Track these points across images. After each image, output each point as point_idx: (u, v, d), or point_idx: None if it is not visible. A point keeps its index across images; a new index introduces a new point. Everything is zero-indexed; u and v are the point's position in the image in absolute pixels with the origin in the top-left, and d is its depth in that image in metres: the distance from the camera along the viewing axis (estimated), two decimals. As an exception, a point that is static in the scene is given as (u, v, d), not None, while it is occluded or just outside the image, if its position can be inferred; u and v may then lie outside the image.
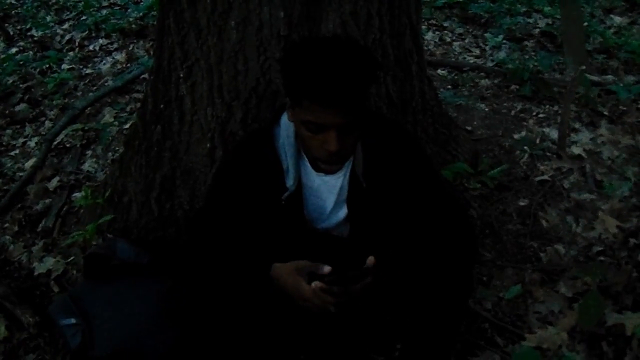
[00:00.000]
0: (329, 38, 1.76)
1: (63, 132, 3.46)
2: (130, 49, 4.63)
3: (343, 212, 1.78)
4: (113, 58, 4.52)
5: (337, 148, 1.51)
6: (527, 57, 4.29)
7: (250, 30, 2.01)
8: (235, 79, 2.08)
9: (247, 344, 1.69)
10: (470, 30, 4.82)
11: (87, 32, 4.98)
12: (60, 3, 5.75)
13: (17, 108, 3.91)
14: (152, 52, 3.27)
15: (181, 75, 2.15)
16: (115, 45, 4.73)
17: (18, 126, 3.73)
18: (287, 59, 1.55)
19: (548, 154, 3.06)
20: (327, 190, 1.75)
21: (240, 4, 1.99)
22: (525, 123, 3.38)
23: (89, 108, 3.72)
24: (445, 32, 4.79)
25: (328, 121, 1.48)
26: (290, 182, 1.69)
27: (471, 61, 4.26)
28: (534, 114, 3.48)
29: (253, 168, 1.68)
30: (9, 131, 3.67)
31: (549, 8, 5.12)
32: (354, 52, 1.51)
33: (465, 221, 1.78)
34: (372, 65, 1.53)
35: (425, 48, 4.42)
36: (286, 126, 1.68)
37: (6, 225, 2.79)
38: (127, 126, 3.41)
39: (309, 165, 1.71)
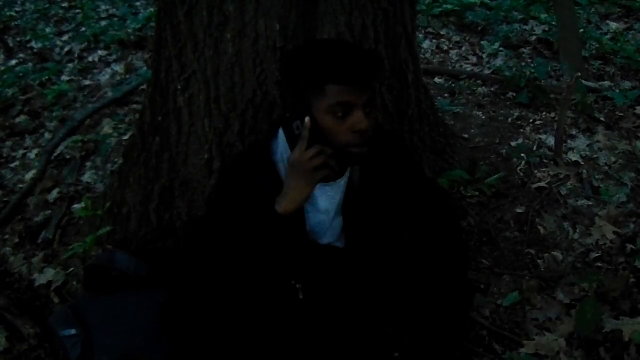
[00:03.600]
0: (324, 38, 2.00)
1: (63, 143, 3.47)
2: (129, 60, 4.65)
3: (341, 221, 1.79)
4: (112, 69, 4.54)
5: (367, 126, 1.54)
6: (523, 64, 4.31)
7: (247, 42, 2.03)
8: (232, 90, 2.10)
9: (246, 353, 1.70)
10: (467, 38, 4.84)
11: (86, 43, 5.00)
12: (60, 15, 5.78)
13: (17, 120, 3.92)
14: (150, 64, 3.29)
15: (179, 87, 2.17)
16: (114, 57, 4.75)
17: (18, 138, 3.74)
18: (300, 54, 1.65)
19: (545, 161, 3.07)
20: (327, 201, 1.76)
21: (236, 16, 2.01)
22: (522, 130, 3.39)
23: (88, 120, 3.74)
24: (442, 40, 4.81)
25: (355, 100, 1.53)
26: None
27: (468, 69, 4.28)
28: (531, 121, 3.49)
29: (252, 183, 1.70)
30: (9, 143, 3.68)
31: (546, 15, 5.14)
32: (351, 42, 1.74)
33: (457, 229, 1.80)
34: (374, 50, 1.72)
35: (422, 56, 4.44)
36: (283, 139, 1.70)
37: (7, 237, 2.80)
38: (126, 137, 3.43)
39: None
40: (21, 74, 4.58)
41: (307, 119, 1.55)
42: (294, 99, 1.65)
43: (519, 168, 3.02)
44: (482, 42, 4.71)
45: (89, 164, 3.32)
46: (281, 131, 1.71)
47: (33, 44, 5.25)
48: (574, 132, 3.34)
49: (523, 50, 4.59)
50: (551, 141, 3.21)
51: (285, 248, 1.71)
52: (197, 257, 1.79)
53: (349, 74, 1.52)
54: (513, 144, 3.23)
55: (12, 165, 3.43)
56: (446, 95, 3.85)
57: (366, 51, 1.65)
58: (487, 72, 4.22)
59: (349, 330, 1.79)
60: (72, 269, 2.47)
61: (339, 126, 1.56)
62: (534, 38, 4.77)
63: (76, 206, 2.89)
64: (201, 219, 2.19)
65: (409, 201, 1.74)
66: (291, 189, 1.59)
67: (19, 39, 5.42)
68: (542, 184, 2.88)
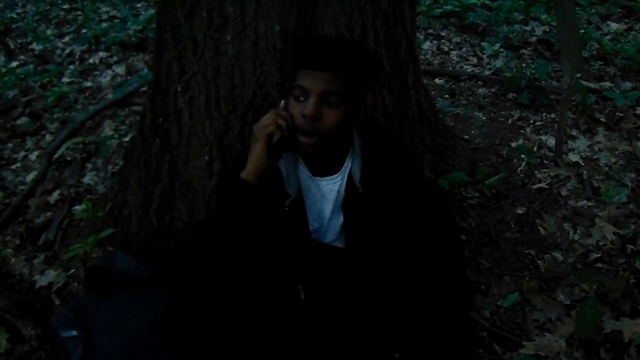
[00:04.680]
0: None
1: (64, 145, 3.47)
2: (129, 61, 4.66)
3: (340, 219, 1.80)
4: (113, 71, 4.54)
5: (311, 113, 1.56)
6: (524, 65, 4.31)
7: (246, 44, 2.04)
8: (232, 92, 2.10)
9: (248, 354, 1.70)
10: (468, 39, 4.84)
11: (87, 45, 5.01)
12: (61, 17, 5.79)
13: (18, 122, 3.92)
14: (150, 66, 3.29)
15: (179, 89, 2.17)
16: (115, 58, 4.76)
17: (19, 140, 3.74)
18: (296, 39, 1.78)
19: (545, 161, 3.08)
20: (325, 196, 1.77)
21: (236, 18, 2.01)
22: (522, 131, 3.39)
23: (89, 121, 3.74)
24: (443, 41, 4.81)
25: (310, 85, 1.57)
26: (290, 188, 1.71)
27: (468, 70, 4.29)
28: (531, 121, 3.49)
29: None
30: (10, 145, 3.68)
31: (546, 15, 5.15)
32: (353, 41, 1.80)
33: (453, 228, 1.81)
34: (366, 55, 1.69)
35: (423, 57, 4.44)
36: None
37: (7, 238, 2.80)
38: (127, 139, 3.43)
39: (306, 171, 1.74)
40: (22, 76, 4.59)
41: (282, 101, 1.66)
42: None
43: (519, 169, 3.02)
44: (483, 43, 4.71)
45: (89, 165, 3.32)
46: None
47: (34, 45, 5.26)
48: (574, 133, 3.34)
49: (523, 51, 4.60)
50: (551, 142, 3.21)
51: (286, 245, 1.72)
52: (201, 258, 1.80)
53: (311, 59, 1.57)
54: (513, 144, 3.23)
55: (13, 167, 3.43)
56: (446, 96, 3.85)
57: (342, 44, 1.69)
58: (487, 72, 4.22)
59: (350, 330, 1.79)
60: (73, 271, 2.47)
61: (295, 108, 1.61)
62: (534, 39, 4.78)
63: (77, 208, 2.90)
64: (204, 222, 2.19)
65: (407, 199, 1.74)
66: (249, 154, 1.65)
67: (19, 41, 5.43)
68: (543, 185, 2.88)
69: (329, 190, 1.76)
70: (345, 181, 1.75)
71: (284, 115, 1.61)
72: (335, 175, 1.75)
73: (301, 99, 1.59)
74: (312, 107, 1.56)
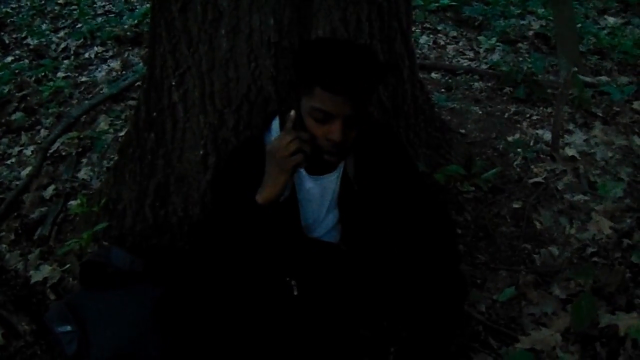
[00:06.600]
0: (343, 39, 2.01)
1: (59, 140, 3.47)
2: (125, 56, 4.64)
3: (335, 215, 1.79)
4: (108, 65, 4.53)
5: (340, 139, 1.53)
6: (520, 59, 4.31)
7: (241, 37, 2.03)
8: (226, 86, 2.09)
9: (242, 349, 1.70)
10: (464, 33, 4.83)
11: (82, 40, 4.99)
12: (56, 11, 5.75)
13: (13, 117, 3.91)
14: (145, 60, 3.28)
15: (173, 83, 2.16)
16: (110, 53, 4.74)
17: (14, 135, 3.73)
18: (305, 47, 1.65)
19: (542, 155, 3.07)
20: (320, 194, 1.76)
21: (231, 11, 2.00)
22: (519, 125, 3.39)
23: (84, 116, 3.73)
24: (439, 35, 4.80)
25: (335, 110, 1.51)
26: None
27: (465, 64, 4.28)
28: (528, 116, 3.49)
29: (247, 176, 1.69)
30: (5, 140, 3.67)
31: (543, 10, 5.14)
32: (366, 50, 1.67)
33: (447, 222, 1.80)
34: (381, 65, 1.66)
35: (419, 51, 4.44)
36: (277, 132, 1.71)
37: (2, 233, 2.80)
38: (122, 134, 3.42)
39: (303, 169, 1.73)
40: (17, 71, 4.58)
41: (292, 112, 1.58)
42: (290, 89, 1.66)
43: (515, 163, 3.01)
44: (479, 37, 4.70)
45: (84, 160, 3.31)
46: (274, 123, 1.72)
47: (29, 40, 5.23)
48: (570, 127, 3.33)
49: (520, 45, 4.59)
50: (548, 136, 3.21)
51: (279, 242, 1.71)
52: (197, 259, 1.79)
53: (338, 84, 1.49)
54: (509, 138, 3.23)
55: (8, 162, 3.43)
56: (443, 90, 3.84)
57: (367, 64, 1.56)
58: (484, 67, 4.21)
59: (345, 325, 1.79)
60: (68, 266, 2.46)
61: (317, 129, 1.56)
62: (531, 33, 4.77)
63: (72, 203, 2.89)
64: (202, 225, 2.19)
65: (401, 194, 1.74)
66: (268, 178, 1.60)
67: (14, 36, 5.40)
68: (539, 179, 2.88)
69: (325, 187, 1.76)
70: (340, 177, 1.74)
71: (307, 138, 1.56)
72: (332, 172, 1.74)
73: (320, 119, 1.54)
74: (340, 133, 1.53)
